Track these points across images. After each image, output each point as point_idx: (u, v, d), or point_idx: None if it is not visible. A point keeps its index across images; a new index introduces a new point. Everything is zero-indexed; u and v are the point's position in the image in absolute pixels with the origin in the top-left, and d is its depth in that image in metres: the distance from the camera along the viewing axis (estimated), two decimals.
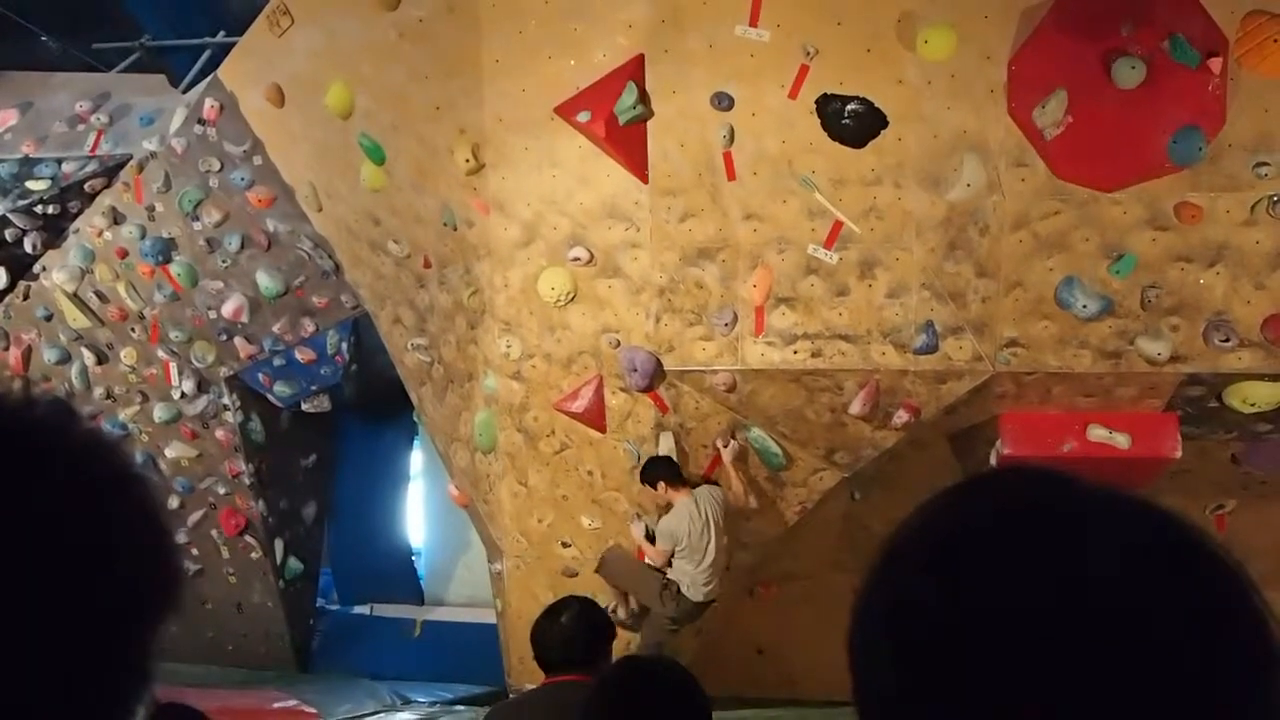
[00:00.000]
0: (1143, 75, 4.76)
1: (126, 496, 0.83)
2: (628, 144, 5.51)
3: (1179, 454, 5.53)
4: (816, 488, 6.30)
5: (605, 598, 5.90)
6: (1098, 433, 5.56)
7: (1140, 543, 0.77)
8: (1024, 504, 0.81)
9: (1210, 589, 0.76)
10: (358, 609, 10.24)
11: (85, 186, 7.92)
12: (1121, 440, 5.52)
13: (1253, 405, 5.37)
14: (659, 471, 5.93)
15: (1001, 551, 0.77)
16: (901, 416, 5.70)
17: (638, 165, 5.55)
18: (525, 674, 6.66)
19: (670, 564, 6.00)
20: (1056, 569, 0.74)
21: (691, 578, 5.95)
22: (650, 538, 6.09)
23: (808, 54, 5.21)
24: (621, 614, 6.20)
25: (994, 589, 0.75)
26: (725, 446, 5.93)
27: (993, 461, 5.77)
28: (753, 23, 5.23)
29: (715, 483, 6.11)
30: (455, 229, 6.10)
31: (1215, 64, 4.77)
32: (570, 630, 3.63)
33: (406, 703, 8.15)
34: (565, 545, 6.47)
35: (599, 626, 3.81)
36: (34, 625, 0.73)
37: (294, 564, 9.06)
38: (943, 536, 0.81)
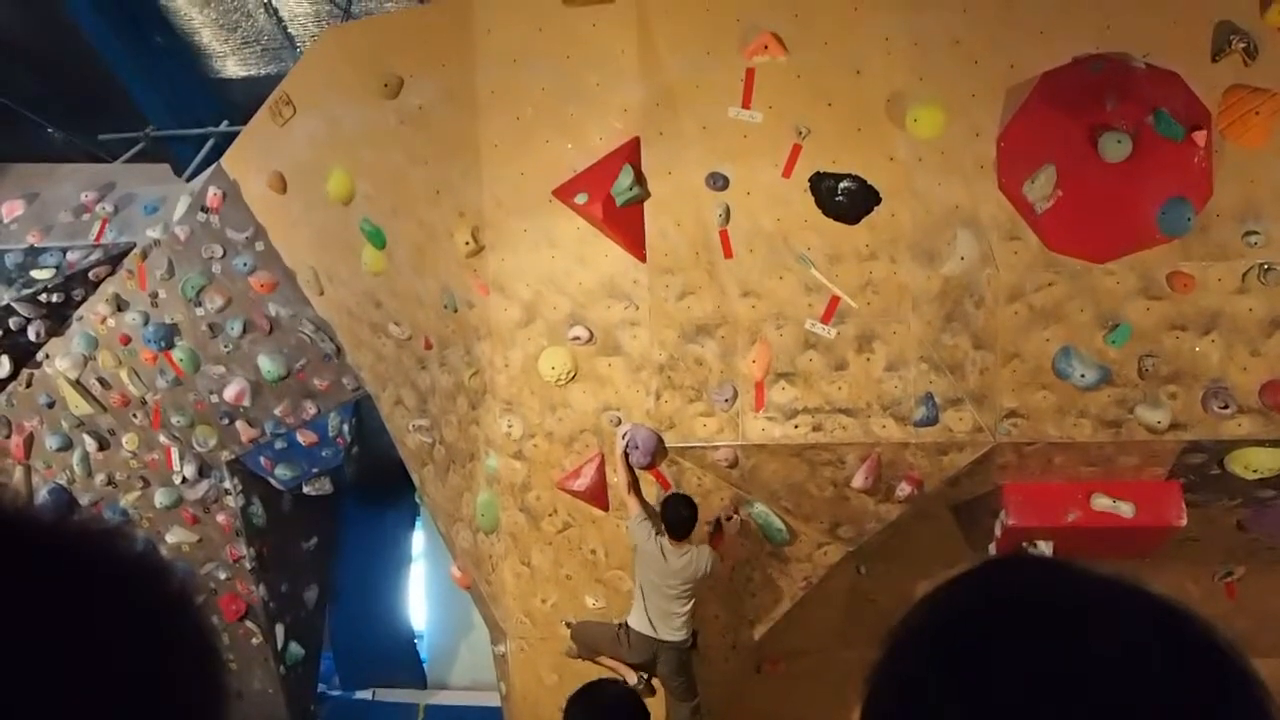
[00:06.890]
0: (1129, 149, 4.84)
1: (183, 623, 0.84)
2: (625, 224, 5.58)
3: (1184, 522, 5.50)
4: (821, 562, 6.25)
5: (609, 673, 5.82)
6: (1102, 502, 5.54)
7: (1140, 634, 0.78)
8: (1024, 595, 0.82)
9: (1209, 680, 0.77)
10: (360, 694, 10.12)
11: (90, 274, 8.04)
12: (1126, 509, 5.50)
13: (1255, 471, 5.36)
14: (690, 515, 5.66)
15: (1003, 643, 0.79)
16: (904, 489, 5.69)
17: (635, 245, 5.61)
18: None
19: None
20: (1057, 660, 0.76)
21: (638, 602, 5.79)
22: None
23: (800, 134, 5.31)
24: (632, 682, 6.12)
25: (996, 680, 0.76)
26: (728, 520, 5.88)
27: (997, 533, 5.74)
28: (745, 104, 5.33)
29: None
30: (456, 310, 6.14)
31: (1200, 137, 4.85)
32: (611, 715, 3.67)
33: None
34: (569, 626, 6.40)
35: (638, 713, 3.83)
36: None
37: (295, 649, 8.96)
38: (946, 628, 0.83)
